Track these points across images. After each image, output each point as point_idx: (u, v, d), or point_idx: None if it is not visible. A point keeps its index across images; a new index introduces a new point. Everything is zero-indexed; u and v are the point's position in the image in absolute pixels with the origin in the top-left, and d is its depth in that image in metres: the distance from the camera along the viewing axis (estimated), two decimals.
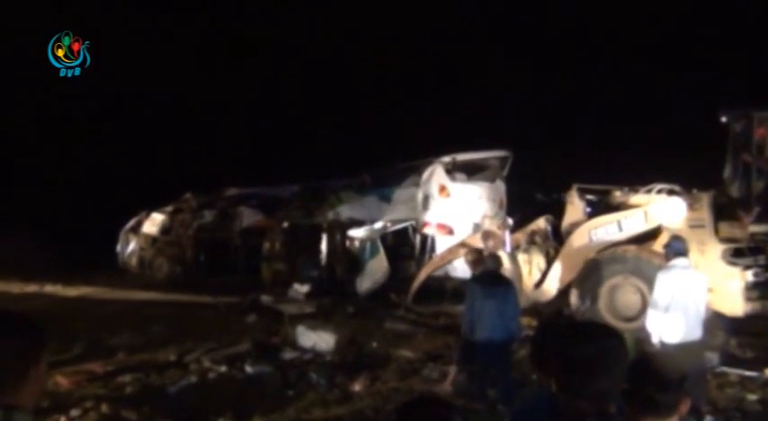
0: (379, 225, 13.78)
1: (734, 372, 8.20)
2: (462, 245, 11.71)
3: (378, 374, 8.40)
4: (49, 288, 16.34)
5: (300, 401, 7.51)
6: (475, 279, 7.57)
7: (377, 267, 13.32)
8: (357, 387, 7.96)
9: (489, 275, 7.50)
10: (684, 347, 6.26)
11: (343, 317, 12.05)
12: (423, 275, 12.38)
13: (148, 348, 9.92)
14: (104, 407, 7.16)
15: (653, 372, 2.26)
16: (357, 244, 13.66)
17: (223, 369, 8.85)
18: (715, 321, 8.68)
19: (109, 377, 8.53)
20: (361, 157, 16.51)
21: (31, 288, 16.19)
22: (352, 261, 13.68)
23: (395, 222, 13.92)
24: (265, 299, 13.31)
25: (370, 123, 26.43)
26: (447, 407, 2.06)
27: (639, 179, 10.80)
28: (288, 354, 9.44)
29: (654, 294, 6.62)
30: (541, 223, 11.30)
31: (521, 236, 11.37)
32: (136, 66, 28.14)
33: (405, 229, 14.12)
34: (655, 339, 6.49)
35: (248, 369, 8.79)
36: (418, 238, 13.86)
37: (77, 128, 28.76)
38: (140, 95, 28.92)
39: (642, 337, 7.14)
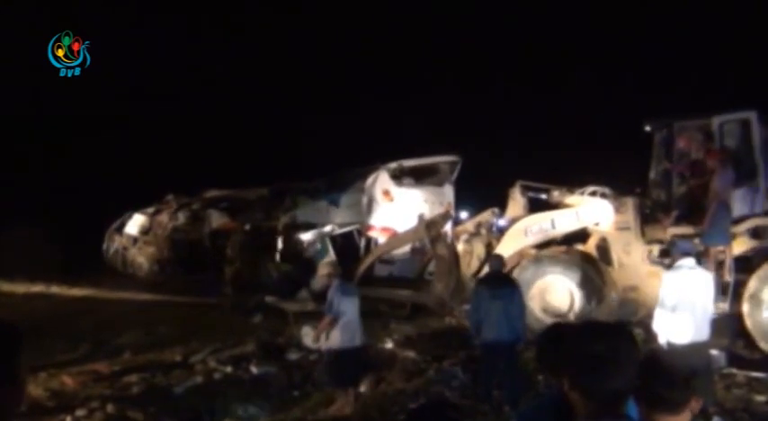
0: (327, 228, 14.39)
1: (741, 373, 8.17)
2: (405, 234, 12.49)
3: (383, 375, 8.38)
4: (55, 288, 16.38)
5: (306, 402, 7.51)
6: (481, 280, 7.57)
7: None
8: (362, 388, 7.94)
9: (495, 276, 7.50)
10: (692, 347, 6.24)
11: None
12: (369, 260, 12.90)
13: (154, 348, 9.92)
14: (110, 407, 7.16)
15: (660, 370, 2.25)
16: (306, 246, 14.28)
17: (228, 369, 8.85)
18: (721, 322, 8.69)
19: (115, 377, 8.54)
20: (341, 158, 16.96)
21: (37, 288, 16.22)
22: (305, 262, 14.15)
23: (341, 226, 14.49)
24: (269, 299, 13.40)
25: (352, 123, 26.95)
26: (457, 411, 2.05)
27: (586, 180, 11.19)
28: (293, 355, 9.44)
29: (661, 294, 6.60)
30: (487, 216, 11.74)
31: (469, 226, 11.94)
32: (133, 66, 28.36)
33: (350, 232, 14.68)
34: (662, 339, 6.47)
35: (254, 369, 8.79)
36: (363, 241, 14.45)
37: (79, 127, 28.79)
38: (138, 96, 29.06)
39: (647, 337, 7.15)
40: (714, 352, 7.75)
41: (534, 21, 30.37)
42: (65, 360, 9.25)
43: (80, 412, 7.04)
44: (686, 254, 6.62)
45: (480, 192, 14.89)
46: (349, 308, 7.19)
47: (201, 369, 8.91)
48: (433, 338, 10.53)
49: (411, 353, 9.52)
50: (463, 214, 12.78)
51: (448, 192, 15.34)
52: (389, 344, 10.21)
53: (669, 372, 2.26)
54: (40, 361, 8.86)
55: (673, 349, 6.21)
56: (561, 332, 2.79)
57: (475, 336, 7.30)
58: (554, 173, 12.03)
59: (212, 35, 32.65)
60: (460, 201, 15.41)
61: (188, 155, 26.97)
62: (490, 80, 27.53)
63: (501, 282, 7.38)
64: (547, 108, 25.77)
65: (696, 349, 6.26)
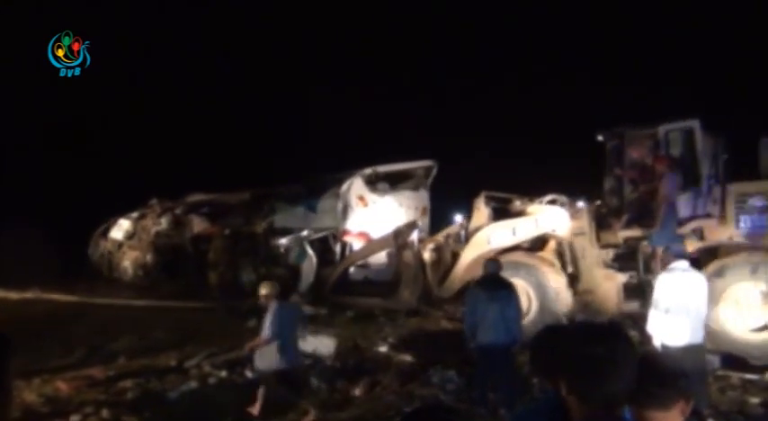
0: (303, 233, 14.86)
1: (735, 375, 8.19)
2: (374, 243, 13.29)
3: (378, 379, 8.37)
4: (49, 293, 16.31)
5: (300, 406, 7.48)
6: (477, 283, 7.56)
7: (309, 268, 14.37)
8: (358, 392, 7.95)
9: (491, 279, 7.49)
10: (686, 350, 6.26)
11: (344, 321, 12.04)
12: (341, 268, 13.58)
13: (149, 353, 9.88)
14: (105, 413, 7.15)
15: (651, 367, 2.27)
16: (283, 250, 14.81)
17: (223, 374, 8.84)
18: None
19: (109, 382, 8.51)
20: (327, 161, 17.34)
21: (31, 293, 16.15)
22: (289, 267, 14.66)
23: (318, 230, 14.93)
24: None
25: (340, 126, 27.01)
26: (455, 414, 2.05)
27: (552, 189, 11.60)
28: None
29: (654, 297, 6.63)
30: (456, 228, 12.19)
31: (439, 237, 12.40)
32: (132, 67, 28.41)
33: (327, 237, 15.08)
34: (656, 342, 6.49)
35: (248, 374, 8.77)
36: (338, 246, 14.80)
37: (77, 129, 28.71)
38: (136, 97, 29.07)
39: (642, 339, 7.16)
40: (708, 354, 7.78)
41: (502, 29, 31.03)
42: (59, 365, 9.21)
43: (75, 418, 7.04)
44: (679, 256, 6.64)
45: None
46: (287, 330, 7.22)
47: (196, 374, 8.90)
48: (427, 342, 10.53)
49: (406, 357, 9.52)
50: (458, 217, 12.97)
51: (423, 196, 15.88)
52: (384, 348, 10.21)
53: (659, 370, 2.28)
54: (35, 366, 8.84)
55: (667, 351, 6.24)
56: (556, 335, 2.79)
57: (470, 340, 7.29)
58: (532, 180, 12.48)
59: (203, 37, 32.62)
60: (455, 206, 15.59)
61: (179, 157, 26.91)
62: (487, 84, 27.81)
63: (497, 285, 7.38)
64: (530, 117, 26.09)
65: (691, 351, 6.28)
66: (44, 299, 15.71)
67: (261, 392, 7.28)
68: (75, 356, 9.80)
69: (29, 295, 15.98)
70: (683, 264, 6.58)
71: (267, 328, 7.16)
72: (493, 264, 7.86)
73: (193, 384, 8.45)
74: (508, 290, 7.39)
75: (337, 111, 27.22)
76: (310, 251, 14.38)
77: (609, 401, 1.98)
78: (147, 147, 28.02)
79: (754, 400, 7.40)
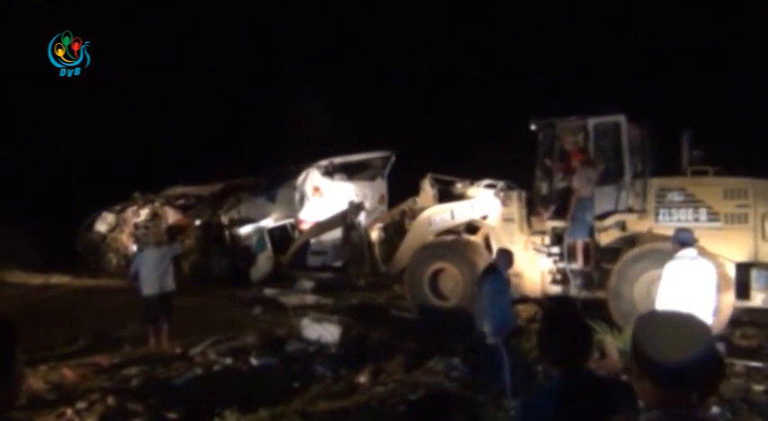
0: (263, 223, 15.77)
1: (740, 363, 8.18)
2: (324, 222, 14.07)
3: (383, 366, 8.38)
4: (55, 280, 16.41)
5: (305, 393, 7.50)
6: (490, 272, 7.49)
7: (265, 259, 15.30)
8: (362, 379, 7.95)
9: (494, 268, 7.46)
10: None
11: (348, 309, 12.07)
12: (296, 245, 14.52)
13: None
14: (110, 400, 7.17)
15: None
16: (245, 239, 15.73)
17: (228, 361, 8.86)
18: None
19: (115, 369, 8.56)
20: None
21: (37, 280, 16.24)
22: (247, 254, 15.62)
23: (277, 220, 15.89)
24: (269, 292, 13.52)
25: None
26: (458, 402, 2.04)
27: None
28: (293, 347, 9.45)
29: (662, 285, 6.59)
30: (410, 204, 12.59)
31: (395, 213, 12.90)
32: (131, 65, 28.48)
33: (285, 226, 16.05)
34: None
35: (253, 361, 8.80)
36: (297, 234, 15.57)
37: (77, 122, 28.77)
38: (134, 94, 29.13)
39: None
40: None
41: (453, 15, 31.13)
42: (65, 352, 9.27)
43: (80, 405, 7.05)
44: (685, 244, 6.58)
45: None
46: (144, 266, 9.90)
47: (201, 361, 8.93)
48: (432, 329, 10.53)
49: (411, 344, 9.53)
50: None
51: (381, 185, 16.84)
52: (388, 335, 10.22)
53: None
54: (41, 353, 8.89)
55: None
56: (567, 322, 2.81)
57: (493, 335, 7.07)
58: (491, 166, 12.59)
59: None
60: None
61: (165, 151, 26.98)
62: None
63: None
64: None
65: None
66: (50, 284, 15.81)
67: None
68: (81, 343, 9.86)
69: (36, 281, 16.09)
70: (691, 251, 6.52)
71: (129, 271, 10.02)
72: (506, 253, 7.84)
73: (198, 371, 8.48)
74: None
75: (315, 102, 27.22)
76: (268, 242, 15.27)
77: (680, 384, 1.89)
78: (133, 140, 28.19)
79: (759, 388, 7.38)
